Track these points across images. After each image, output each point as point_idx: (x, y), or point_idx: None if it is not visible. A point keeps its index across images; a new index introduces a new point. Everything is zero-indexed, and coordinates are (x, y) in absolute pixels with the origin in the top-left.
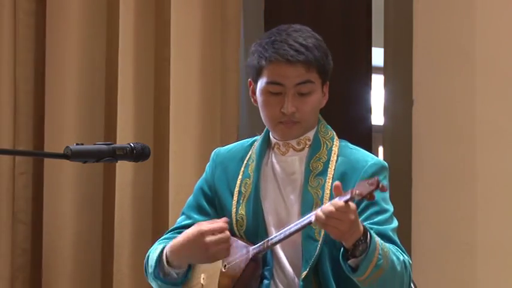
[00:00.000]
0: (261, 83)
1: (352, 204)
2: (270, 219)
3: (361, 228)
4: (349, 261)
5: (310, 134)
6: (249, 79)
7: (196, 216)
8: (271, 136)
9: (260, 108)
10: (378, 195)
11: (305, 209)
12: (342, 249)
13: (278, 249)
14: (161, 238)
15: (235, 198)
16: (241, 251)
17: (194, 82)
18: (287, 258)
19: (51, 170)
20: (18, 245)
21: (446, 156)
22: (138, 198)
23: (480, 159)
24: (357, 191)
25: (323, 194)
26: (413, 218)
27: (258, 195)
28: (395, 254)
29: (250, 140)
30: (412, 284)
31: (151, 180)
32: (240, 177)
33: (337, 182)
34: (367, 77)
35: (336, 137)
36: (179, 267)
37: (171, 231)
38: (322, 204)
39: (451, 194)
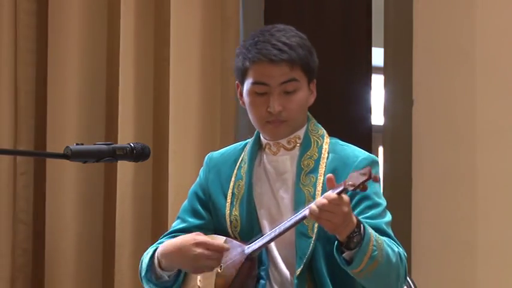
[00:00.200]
0: (247, 84)
1: (345, 197)
2: (264, 219)
3: (355, 220)
4: (343, 254)
5: (300, 133)
6: (236, 82)
7: (191, 219)
8: (261, 137)
9: (247, 110)
10: (370, 189)
11: (298, 207)
12: (336, 242)
13: (273, 248)
14: (156, 242)
15: (228, 200)
16: (236, 251)
17: (194, 82)
18: (281, 257)
19: (53, 170)
20: (18, 245)
21: (446, 156)
22: (138, 198)
23: (480, 159)
24: (350, 182)
25: (315, 191)
26: (413, 218)
27: (251, 196)
28: (390, 246)
29: (243, 142)
30: (408, 277)
31: (150, 180)
32: (233, 179)
33: (330, 175)
34: (367, 77)
35: (326, 135)
36: (169, 270)
37: (166, 235)
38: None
39: (451, 194)
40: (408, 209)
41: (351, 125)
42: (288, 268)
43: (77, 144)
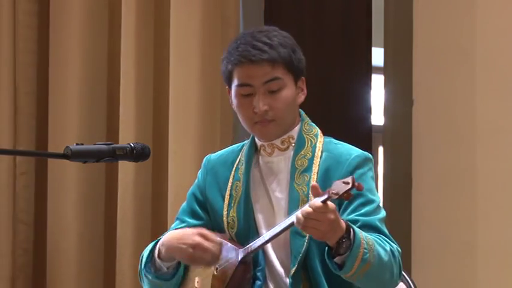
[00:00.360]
0: (233, 87)
1: (330, 204)
2: (260, 220)
3: (343, 225)
4: (335, 259)
5: (294, 133)
6: (226, 87)
7: (189, 220)
8: (256, 139)
9: (236, 113)
10: (364, 185)
11: (292, 206)
12: (327, 248)
13: (269, 249)
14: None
15: (226, 201)
16: (231, 254)
17: (193, 82)
18: (277, 258)
19: (54, 170)
20: (19, 245)
21: (446, 156)
22: (139, 198)
23: (480, 159)
24: (333, 191)
25: (308, 190)
26: (413, 218)
27: (248, 197)
28: (382, 244)
29: (240, 144)
30: (408, 277)
31: (150, 180)
32: (230, 180)
33: (313, 183)
34: (367, 77)
35: (320, 134)
36: (168, 261)
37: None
38: (308, 200)
39: (451, 194)
40: (408, 209)
41: (351, 125)
42: (283, 268)
43: (77, 144)
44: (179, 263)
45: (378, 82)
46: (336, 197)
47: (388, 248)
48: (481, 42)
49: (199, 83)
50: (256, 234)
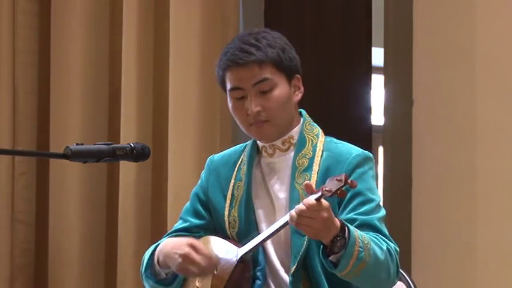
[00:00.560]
0: (227, 91)
1: (324, 202)
2: (261, 220)
3: (338, 223)
4: (330, 257)
5: (294, 133)
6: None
7: (192, 219)
8: (257, 141)
9: (233, 116)
10: (363, 185)
11: (293, 206)
12: (322, 246)
13: (269, 248)
14: (158, 242)
15: (228, 201)
16: (231, 253)
17: (193, 82)
18: (277, 257)
19: (56, 170)
20: (18, 245)
21: (446, 156)
22: (141, 198)
23: (480, 159)
24: (326, 188)
25: None
26: (413, 218)
27: (249, 198)
28: (378, 243)
29: (243, 144)
30: (408, 277)
31: (150, 180)
32: (232, 181)
33: (307, 182)
34: (367, 77)
35: (321, 133)
36: (165, 267)
37: (168, 234)
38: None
39: (451, 194)
40: (408, 209)
41: (351, 125)
42: (283, 267)
43: (77, 144)
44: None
45: (378, 82)
46: (329, 194)
47: (384, 247)
48: (481, 42)
49: (199, 83)
50: (257, 234)
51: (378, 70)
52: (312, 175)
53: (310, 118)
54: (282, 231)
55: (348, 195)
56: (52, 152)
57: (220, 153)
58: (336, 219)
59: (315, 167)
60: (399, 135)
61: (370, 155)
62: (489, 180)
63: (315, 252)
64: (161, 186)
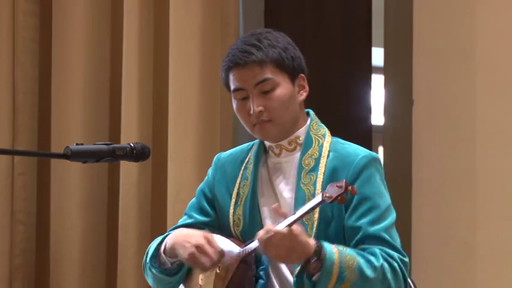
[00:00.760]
0: (231, 92)
1: (296, 229)
2: (266, 220)
3: (311, 248)
4: (313, 278)
5: (301, 133)
6: None
7: (197, 216)
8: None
9: (237, 117)
10: (370, 190)
11: (298, 206)
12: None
13: None
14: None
15: (233, 199)
16: (233, 253)
17: (194, 82)
18: None
19: (57, 171)
20: (17, 245)
21: (446, 156)
22: (142, 198)
23: (480, 159)
24: (327, 194)
25: (315, 190)
26: (413, 218)
27: (255, 197)
28: (370, 261)
29: (251, 143)
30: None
31: (150, 180)
32: (239, 179)
33: (274, 206)
34: (367, 77)
35: (328, 134)
36: (171, 256)
37: (172, 229)
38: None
39: (451, 194)
40: (408, 209)
41: (351, 125)
42: (287, 267)
43: (77, 144)
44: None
45: (378, 82)
46: (330, 200)
47: (378, 264)
48: (481, 42)
49: (199, 83)
50: None
51: (378, 70)
52: (318, 176)
53: (317, 118)
54: None
55: (355, 201)
56: (52, 152)
57: (228, 151)
58: (311, 242)
59: (321, 168)
60: (399, 135)
61: (377, 156)
62: (489, 180)
63: None
64: (161, 186)
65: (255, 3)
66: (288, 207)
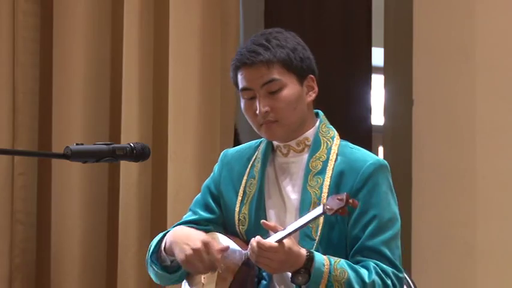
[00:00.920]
0: (239, 92)
1: (287, 243)
2: (271, 220)
3: (303, 259)
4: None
5: (309, 134)
6: None
7: (202, 212)
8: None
9: (245, 116)
10: (374, 199)
11: (304, 208)
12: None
13: None
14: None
15: (239, 198)
16: (236, 254)
17: (193, 82)
18: None
19: (58, 171)
20: (16, 245)
21: (446, 156)
22: (142, 198)
23: (480, 159)
24: (328, 206)
25: (321, 193)
26: (413, 218)
27: (261, 196)
28: (360, 276)
29: (258, 140)
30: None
31: (150, 180)
32: (245, 177)
33: (263, 221)
34: (367, 77)
35: (337, 136)
36: (170, 254)
37: (176, 225)
38: (320, 203)
39: (451, 194)
40: (408, 209)
41: (351, 125)
42: None
43: (77, 144)
44: None
45: (378, 82)
46: (331, 212)
47: (369, 280)
48: (481, 42)
49: (199, 83)
50: (266, 232)
51: (378, 70)
52: (325, 179)
53: (326, 120)
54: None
55: (358, 209)
56: (52, 152)
57: (235, 147)
58: (303, 253)
59: (329, 171)
60: (399, 135)
61: (386, 163)
62: (489, 180)
63: None
64: (161, 186)
65: (255, 3)
66: (294, 209)
